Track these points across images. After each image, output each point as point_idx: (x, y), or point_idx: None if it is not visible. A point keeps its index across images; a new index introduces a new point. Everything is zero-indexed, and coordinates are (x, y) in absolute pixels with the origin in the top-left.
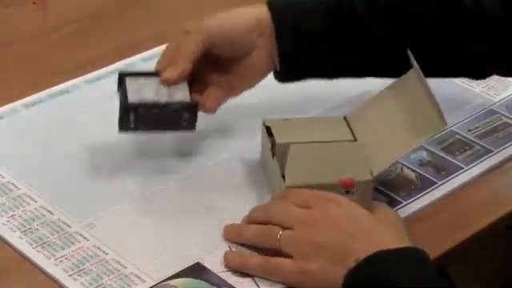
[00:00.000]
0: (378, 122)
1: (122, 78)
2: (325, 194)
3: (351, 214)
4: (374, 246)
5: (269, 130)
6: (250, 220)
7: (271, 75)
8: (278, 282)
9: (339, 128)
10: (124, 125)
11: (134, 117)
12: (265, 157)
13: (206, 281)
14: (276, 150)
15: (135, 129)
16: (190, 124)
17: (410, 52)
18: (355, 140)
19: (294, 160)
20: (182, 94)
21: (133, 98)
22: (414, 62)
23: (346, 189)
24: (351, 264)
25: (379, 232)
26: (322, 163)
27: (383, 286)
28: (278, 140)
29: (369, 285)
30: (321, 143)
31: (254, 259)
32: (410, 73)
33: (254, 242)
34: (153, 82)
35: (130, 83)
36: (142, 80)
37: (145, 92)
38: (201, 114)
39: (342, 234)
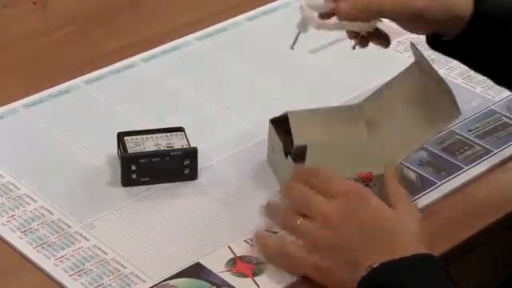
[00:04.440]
0: (387, 115)
1: (121, 136)
2: (353, 187)
3: (375, 216)
4: (390, 253)
5: (279, 127)
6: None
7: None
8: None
9: (353, 123)
10: (126, 178)
11: (136, 168)
12: (275, 156)
13: (206, 281)
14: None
15: (138, 182)
16: (192, 172)
17: (412, 43)
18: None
19: (312, 159)
20: (180, 143)
21: (133, 150)
22: (417, 54)
23: (365, 182)
24: (364, 271)
25: (400, 236)
26: (340, 160)
27: None
28: (296, 141)
29: None
30: (338, 142)
31: (274, 240)
32: (411, 66)
33: (277, 224)
34: (151, 137)
35: (128, 140)
36: (140, 136)
37: (144, 145)
38: (202, 117)
39: (360, 238)
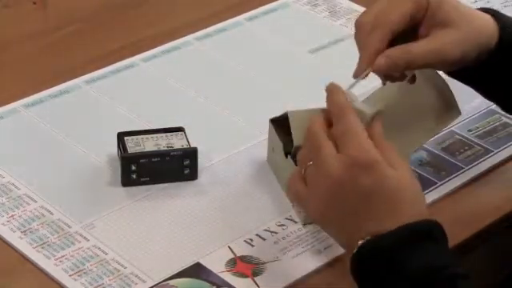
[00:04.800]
0: (387, 115)
1: (121, 136)
2: (358, 158)
3: (377, 186)
4: (386, 224)
5: (279, 127)
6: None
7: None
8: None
9: None
10: (126, 178)
11: (136, 168)
12: (275, 156)
13: (206, 281)
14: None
15: (138, 182)
16: (192, 172)
17: None
18: None
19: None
20: (180, 143)
21: (133, 150)
22: None
23: None
24: (359, 240)
25: (399, 206)
26: None
27: (388, 268)
28: (296, 141)
29: (374, 266)
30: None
31: (293, 176)
32: None
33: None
34: (151, 137)
35: (128, 140)
36: (140, 136)
37: (144, 145)
38: (202, 117)
39: (358, 208)
